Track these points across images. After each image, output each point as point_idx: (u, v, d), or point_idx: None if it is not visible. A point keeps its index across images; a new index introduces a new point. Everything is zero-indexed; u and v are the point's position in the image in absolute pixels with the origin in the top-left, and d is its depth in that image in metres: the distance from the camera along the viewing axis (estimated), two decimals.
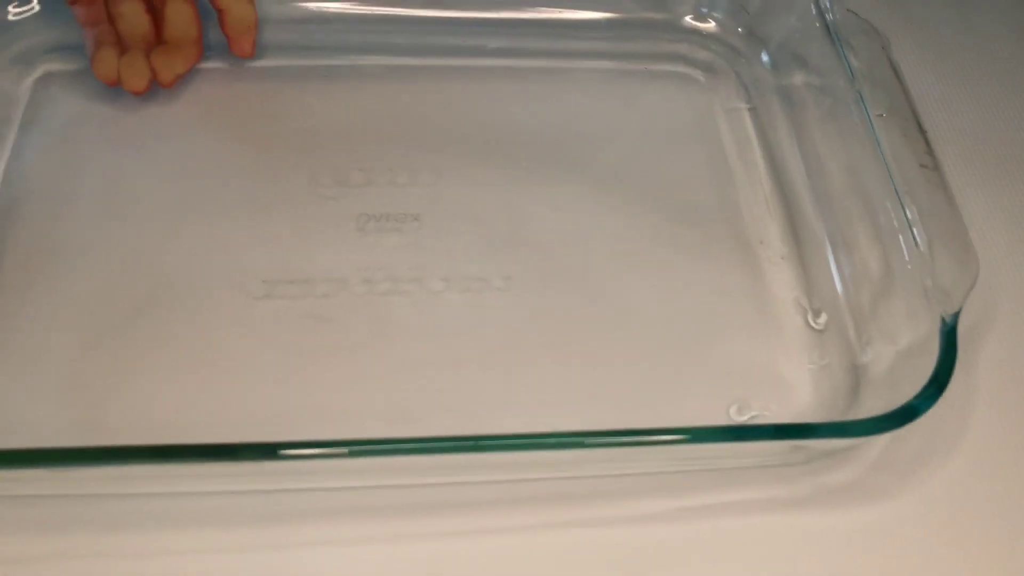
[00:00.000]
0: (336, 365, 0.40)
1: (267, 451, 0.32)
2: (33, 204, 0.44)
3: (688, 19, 0.54)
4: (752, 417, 0.40)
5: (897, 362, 0.39)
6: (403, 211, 0.45)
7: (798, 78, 0.49)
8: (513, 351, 0.41)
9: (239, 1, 0.47)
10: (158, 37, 0.47)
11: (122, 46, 0.46)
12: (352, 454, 0.33)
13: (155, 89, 0.48)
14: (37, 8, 0.49)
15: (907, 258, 0.40)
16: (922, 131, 0.42)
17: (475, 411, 0.39)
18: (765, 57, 0.52)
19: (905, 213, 0.40)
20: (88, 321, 0.40)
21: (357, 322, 0.41)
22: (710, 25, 0.54)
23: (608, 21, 0.53)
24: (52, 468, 0.33)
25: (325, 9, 0.51)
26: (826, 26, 0.47)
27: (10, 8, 0.48)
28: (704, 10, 0.53)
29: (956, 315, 0.37)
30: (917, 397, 0.35)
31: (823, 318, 0.43)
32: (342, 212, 0.45)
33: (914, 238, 0.40)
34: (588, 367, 0.41)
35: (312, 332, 0.41)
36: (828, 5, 0.47)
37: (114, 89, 0.47)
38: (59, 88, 0.48)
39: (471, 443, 0.33)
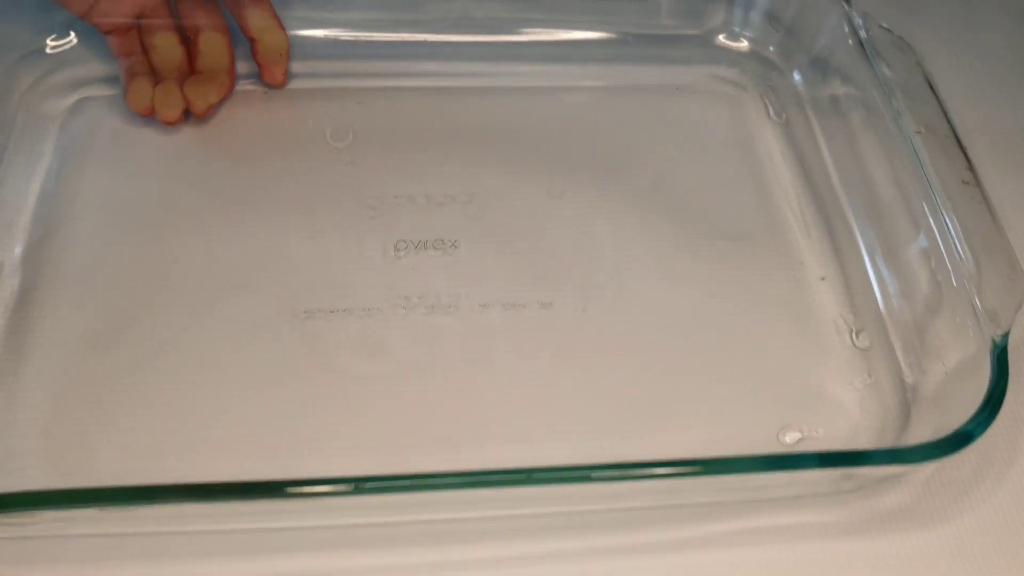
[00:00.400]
0: (379, 392, 0.40)
1: (342, 483, 0.32)
2: (70, 225, 0.44)
3: (721, 37, 0.54)
4: (800, 440, 0.40)
5: (946, 382, 0.39)
6: (440, 236, 0.45)
7: (832, 93, 0.49)
8: (555, 375, 0.41)
9: (271, 30, 0.48)
10: (191, 67, 0.47)
11: (156, 76, 0.47)
12: (417, 488, 0.33)
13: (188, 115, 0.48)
14: (75, 41, 0.49)
15: (952, 276, 0.40)
16: (962, 148, 0.42)
17: (519, 438, 0.39)
18: (798, 75, 0.52)
19: (949, 231, 0.40)
20: (126, 342, 0.40)
21: (398, 348, 0.41)
22: (743, 44, 0.53)
23: (641, 39, 0.53)
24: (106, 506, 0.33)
25: (357, 36, 0.51)
26: (859, 42, 0.47)
27: (48, 41, 0.49)
28: (736, 28, 0.53)
29: (1006, 335, 0.37)
30: (970, 422, 0.35)
31: (867, 337, 0.43)
32: (378, 237, 0.45)
33: (959, 256, 0.39)
34: (632, 390, 0.41)
35: (351, 358, 0.41)
36: (860, 22, 0.47)
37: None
38: (96, 113, 0.48)
39: (524, 476, 0.33)
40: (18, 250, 0.43)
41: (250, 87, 0.50)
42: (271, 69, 0.49)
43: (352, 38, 0.52)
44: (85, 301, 0.42)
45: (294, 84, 0.50)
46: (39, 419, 0.38)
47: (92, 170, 0.46)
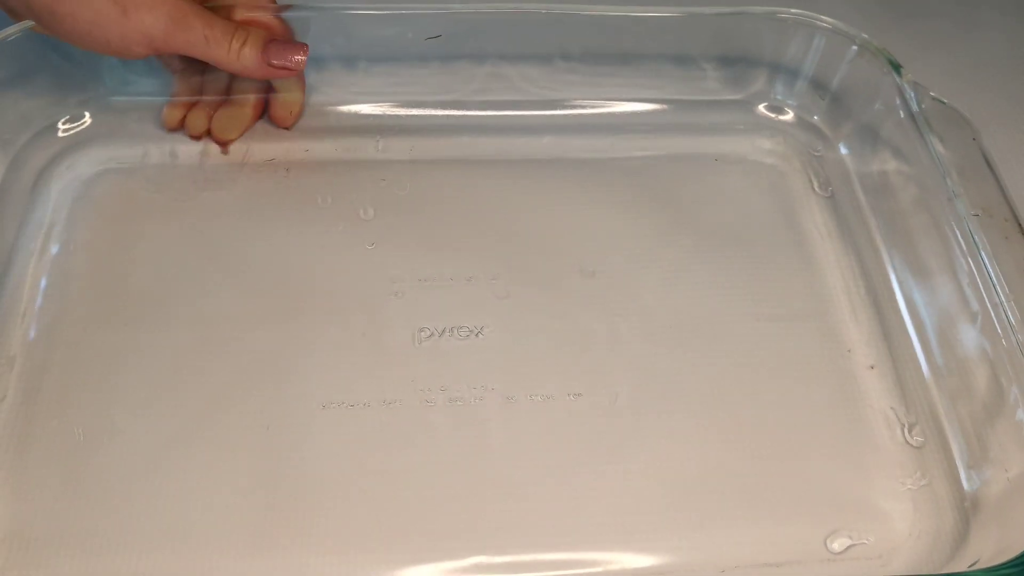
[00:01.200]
0: (400, 488, 0.38)
1: None
2: (82, 308, 0.43)
3: (763, 107, 0.52)
4: (849, 547, 0.37)
5: (1010, 492, 0.36)
6: (464, 322, 0.43)
7: (881, 168, 0.47)
8: (586, 472, 0.39)
9: (292, 89, 0.49)
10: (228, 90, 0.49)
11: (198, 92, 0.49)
12: None
13: (207, 184, 0.47)
14: (89, 122, 0.49)
15: (1015, 377, 0.37)
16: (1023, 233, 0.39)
17: (548, 537, 0.37)
18: (844, 148, 0.49)
19: (1011, 326, 0.37)
20: (137, 434, 0.39)
21: (420, 443, 0.39)
22: (786, 113, 0.51)
23: (680, 108, 0.51)
24: None
25: (383, 110, 0.50)
26: (911, 115, 0.44)
27: (60, 124, 0.48)
28: (779, 97, 0.51)
29: None
30: None
31: (920, 433, 0.40)
32: (401, 322, 0.43)
33: (1023, 354, 0.37)
34: (669, 489, 0.39)
35: (371, 453, 0.39)
36: (912, 93, 0.45)
37: (165, 183, 0.47)
38: (109, 191, 0.47)
39: None
40: (32, 333, 0.42)
41: (273, 155, 0.49)
42: (282, 116, 0.50)
43: (379, 112, 0.50)
44: (101, 389, 0.40)
45: (315, 157, 0.49)
46: (52, 502, 0.37)
47: (105, 250, 0.45)
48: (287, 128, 0.50)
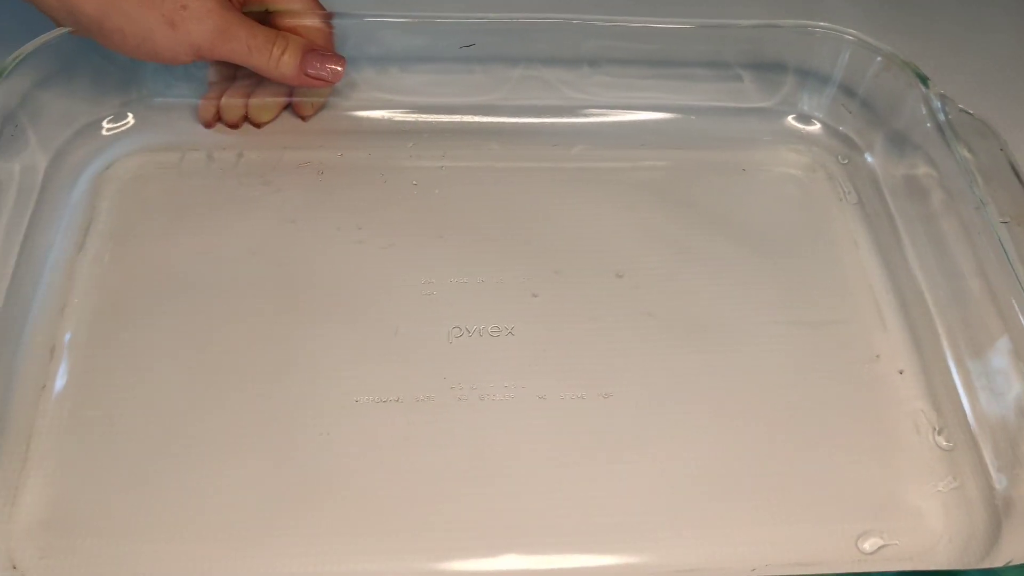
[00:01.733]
0: (431, 486, 0.38)
1: None
2: (119, 305, 0.43)
3: (791, 117, 0.52)
4: (880, 548, 0.37)
5: None
6: (496, 322, 0.43)
7: (908, 174, 0.47)
8: (616, 471, 0.39)
9: (319, 93, 0.51)
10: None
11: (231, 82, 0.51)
12: None
13: (243, 185, 0.48)
14: (132, 122, 0.50)
15: None
16: None
17: (577, 537, 0.37)
18: (870, 156, 0.50)
19: None
20: (173, 429, 0.39)
21: (451, 440, 0.40)
22: (813, 123, 0.52)
23: (708, 117, 0.52)
24: None
25: (418, 118, 0.51)
26: (938, 126, 0.45)
27: (104, 123, 0.49)
28: (806, 107, 0.52)
29: None
30: None
31: (951, 436, 0.40)
32: (433, 322, 0.43)
33: None
34: (700, 489, 0.39)
35: (402, 450, 0.39)
36: (939, 104, 0.45)
37: (202, 183, 0.48)
38: (150, 183, 0.48)
39: None
40: (72, 325, 0.42)
41: (304, 163, 0.49)
42: (304, 106, 0.51)
43: (411, 118, 0.51)
44: (138, 380, 0.41)
45: (349, 161, 0.50)
46: (90, 489, 0.38)
47: (143, 246, 0.45)
48: (305, 119, 0.51)
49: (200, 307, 0.43)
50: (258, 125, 0.51)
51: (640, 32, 0.49)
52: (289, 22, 0.48)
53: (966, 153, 0.43)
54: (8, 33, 0.47)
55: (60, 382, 0.40)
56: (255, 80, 0.50)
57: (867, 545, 0.37)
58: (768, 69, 0.51)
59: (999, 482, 0.38)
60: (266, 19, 0.47)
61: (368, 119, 0.51)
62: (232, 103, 0.50)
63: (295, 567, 0.36)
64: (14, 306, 0.42)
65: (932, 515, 0.38)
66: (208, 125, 0.50)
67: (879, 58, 0.48)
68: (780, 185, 0.50)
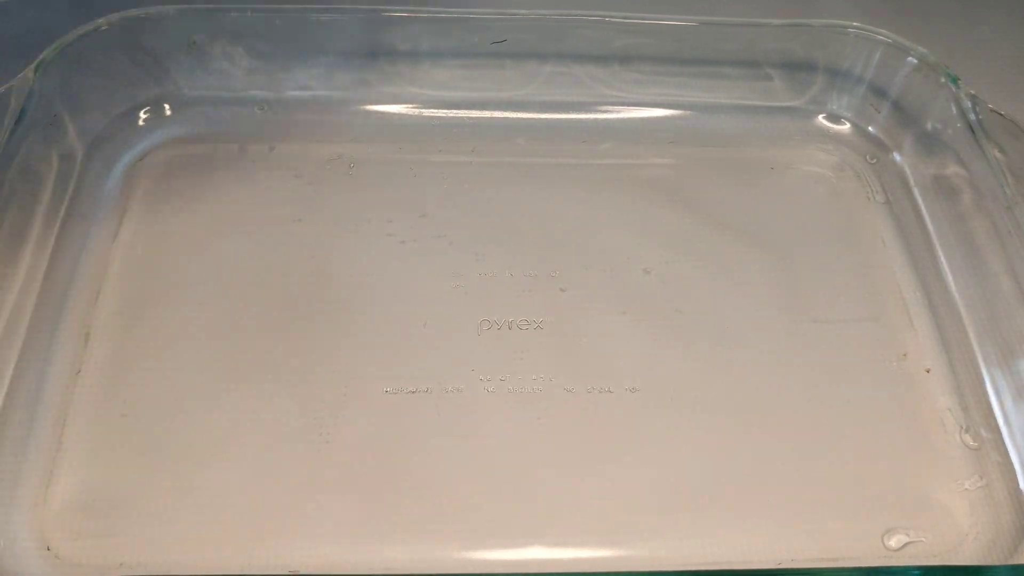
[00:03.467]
0: (459, 476, 0.39)
1: None
2: (158, 286, 0.44)
3: (820, 116, 0.52)
4: (906, 544, 0.37)
5: None
6: (525, 316, 0.43)
7: (938, 174, 0.47)
8: (644, 466, 0.39)
9: None
10: None
11: None
12: None
13: (275, 178, 0.48)
14: (168, 113, 0.50)
15: None
16: None
17: (603, 532, 0.38)
18: (899, 156, 0.50)
19: None
20: (201, 416, 0.40)
21: (479, 431, 0.40)
22: (842, 122, 0.52)
23: (739, 117, 0.52)
24: None
25: (444, 114, 0.51)
26: (968, 125, 0.45)
27: (141, 114, 0.50)
28: (835, 106, 0.52)
29: None
30: None
31: (978, 435, 0.40)
32: (463, 315, 0.43)
33: None
34: (726, 485, 0.39)
35: (431, 440, 0.39)
36: (970, 104, 0.45)
37: (235, 176, 0.48)
38: (184, 173, 0.49)
39: None
40: (106, 311, 0.43)
41: (336, 156, 0.50)
42: None
43: (441, 113, 0.51)
44: (171, 365, 0.41)
45: (379, 155, 0.50)
46: (124, 472, 0.38)
47: (177, 235, 0.46)
48: None
49: (232, 297, 0.44)
50: None
51: (671, 30, 0.49)
52: None
53: (997, 153, 0.43)
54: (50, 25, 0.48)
55: (94, 368, 0.41)
56: None
57: (893, 542, 0.37)
58: (798, 68, 0.51)
59: None
60: None
61: (399, 114, 0.51)
62: None
63: (325, 552, 0.36)
64: (50, 292, 0.42)
65: (958, 513, 0.38)
66: None
67: (910, 58, 0.48)
68: (809, 184, 0.50)
